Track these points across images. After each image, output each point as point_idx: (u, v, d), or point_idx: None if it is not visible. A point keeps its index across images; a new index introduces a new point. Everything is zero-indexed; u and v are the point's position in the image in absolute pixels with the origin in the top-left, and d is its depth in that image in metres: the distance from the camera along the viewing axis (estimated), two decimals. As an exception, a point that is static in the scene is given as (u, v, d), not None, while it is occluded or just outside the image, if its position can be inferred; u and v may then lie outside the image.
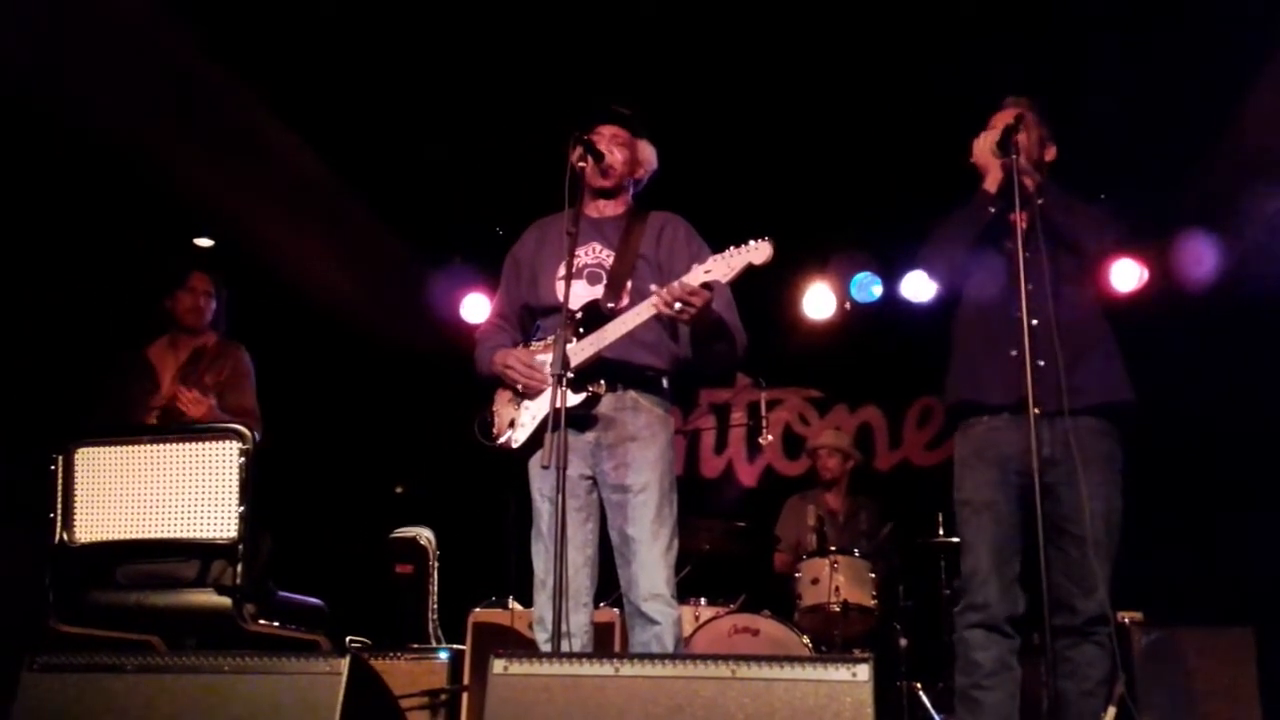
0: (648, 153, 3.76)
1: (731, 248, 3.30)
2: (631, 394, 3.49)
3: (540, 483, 3.49)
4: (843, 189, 6.25)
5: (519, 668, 2.57)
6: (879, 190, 6.11)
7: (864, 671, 2.38)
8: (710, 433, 7.68)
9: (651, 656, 2.58)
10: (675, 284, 3.25)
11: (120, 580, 3.50)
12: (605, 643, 4.81)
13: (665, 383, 3.60)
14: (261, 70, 5.34)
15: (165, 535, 3.32)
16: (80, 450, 3.40)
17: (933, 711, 5.34)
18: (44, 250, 5.48)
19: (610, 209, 3.70)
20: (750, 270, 3.26)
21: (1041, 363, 3.31)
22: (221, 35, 5.09)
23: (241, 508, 3.27)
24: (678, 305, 3.24)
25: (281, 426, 4.54)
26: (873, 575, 5.50)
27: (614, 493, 3.45)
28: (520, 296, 3.72)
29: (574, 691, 2.51)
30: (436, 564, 5.69)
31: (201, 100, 5.41)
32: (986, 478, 3.49)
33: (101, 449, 3.41)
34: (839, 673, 2.39)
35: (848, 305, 7.01)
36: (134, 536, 3.35)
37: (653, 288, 3.32)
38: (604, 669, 2.52)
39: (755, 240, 3.26)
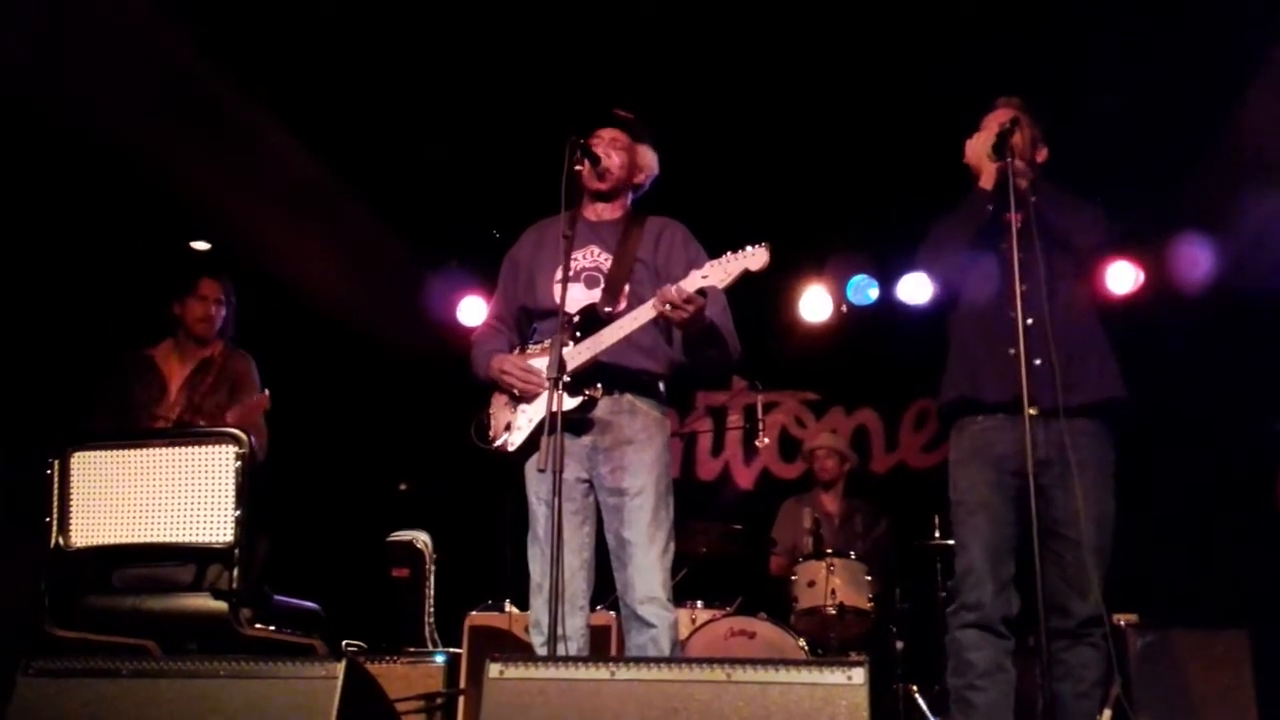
0: (648, 158, 3.76)
1: (728, 253, 3.31)
2: (628, 397, 3.50)
3: (536, 486, 3.49)
4: (839, 192, 6.26)
5: (514, 672, 2.57)
6: (875, 193, 6.11)
7: (859, 674, 2.39)
8: (707, 435, 7.69)
9: (647, 660, 2.58)
10: (670, 289, 3.25)
11: (116, 584, 3.50)
12: (602, 646, 4.81)
13: (661, 386, 3.61)
14: (260, 72, 5.35)
15: (161, 539, 3.32)
16: (76, 454, 3.40)
17: (929, 714, 5.34)
18: (42, 251, 5.47)
19: (608, 212, 3.70)
20: (747, 276, 3.27)
21: (1038, 361, 3.32)
22: (220, 37, 5.09)
23: (237, 512, 3.27)
24: (671, 308, 3.24)
25: (278, 429, 4.54)
26: (869, 578, 5.50)
27: (610, 496, 3.45)
28: (517, 299, 3.72)
29: (569, 695, 2.51)
30: (433, 567, 5.69)
31: (199, 102, 5.41)
32: (981, 478, 3.50)
33: (97, 453, 3.41)
34: (834, 676, 2.39)
35: (844, 308, 7.02)
36: (130, 541, 3.34)
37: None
38: (599, 673, 2.52)
39: (752, 246, 3.27)
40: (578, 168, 3.50)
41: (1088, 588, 3.32)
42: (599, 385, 3.43)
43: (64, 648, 3.27)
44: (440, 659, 4.77)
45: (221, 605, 3.33)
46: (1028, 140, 3.59)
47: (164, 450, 3.34)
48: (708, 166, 5.76)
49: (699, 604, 5.50)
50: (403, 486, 7.16)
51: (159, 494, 3.32)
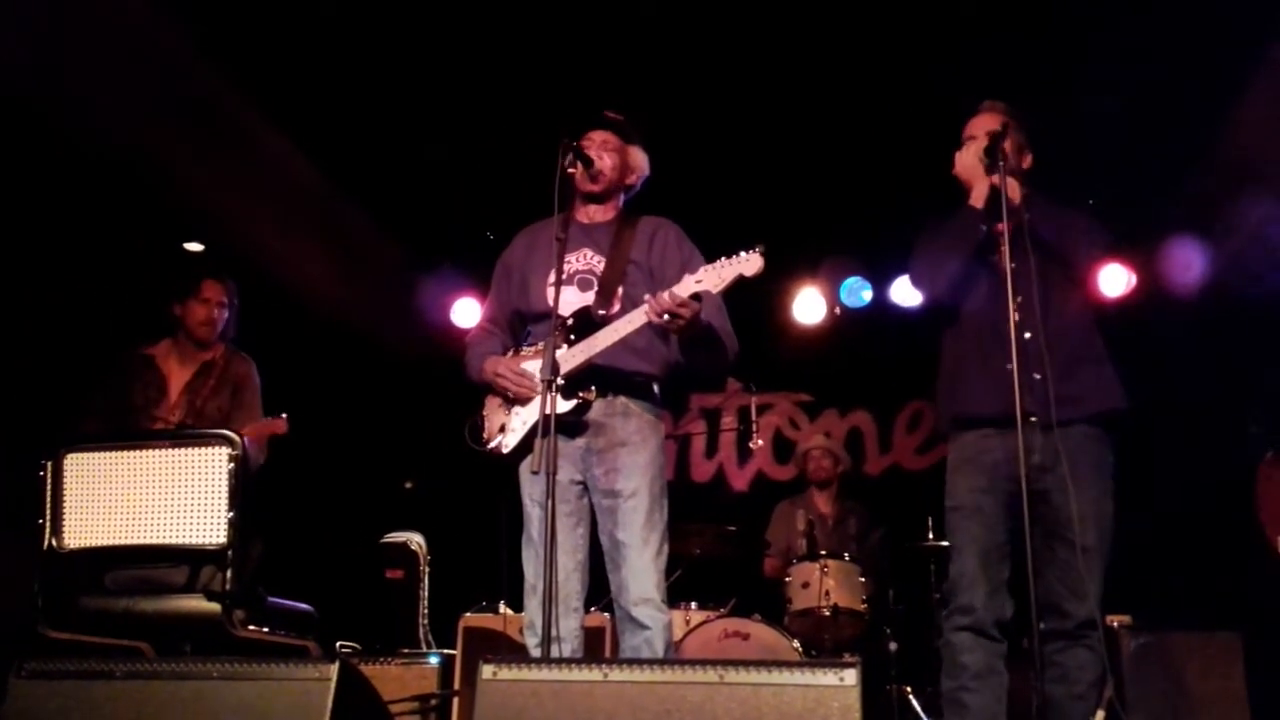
0: (639, 159, 3.76)
1: (723, 258, 3.30)
2: (622, 399, 3.50)
3: (531, 488, 3.50)
4: (833, 194, 6.27)
5: (508, 673, 2.58)
6: (869, 195, 6.12)
7: (851, 676, 2.39)
8: (701, 437, 7.70)
9: (640, 662, 2.58)
10: (665, 294, 3.25)
11: (109, 586, 3.49)
12: (596, 647, 4.81)
13: (656, 388, 3.61)
14: (255, 75, 5.35)
15: (154, 541, 3.32)
16: (69, 455, 3.39)
17: (922, 715, 5.35)
18: (38, 251, 5.47)
19: (600, 214, 3.70)
20: (741, 281, 3.27)
21: (1037, 376, 3.32)
22: (216, 39, 5.09)
23: (231, 513, 3.27)
24: (667, 316, 3.25)
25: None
26: (863, 579, 5.51)
27: (604, 498, 3.46)
28: (510, 303, 3.72)
29: (563, 697, 2.51)
30: (428, 569, 5.70)
31: (195, 105, 5.41)
32: (976, 483, 3.50)
33: (91, 454, 3.40)
34: (826, 677, 2.40)
35: (838, 310, 7.03)
36: (123, 542, 3.34)
37: (646, 298, 3.32)
38: (592, 674, 2.53)
39: (747, 251, 3.27)
40: (570, 170, 3.50)
41: (1086, 590, 3.32)
42: (593, 388, 3.43)
43: (57, 649, 3.26)
44: (434, 660, 4.78)
45: (215, 607, 3.33)
46: (1014, 147, 3.57)
47: (157, 452, 3.34)
48: (702, 169, 5.77)
49: (693, 605, 5.51)
50: (408, 485, 7.16)
51: (152, 495, 3.31)
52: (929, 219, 3.75)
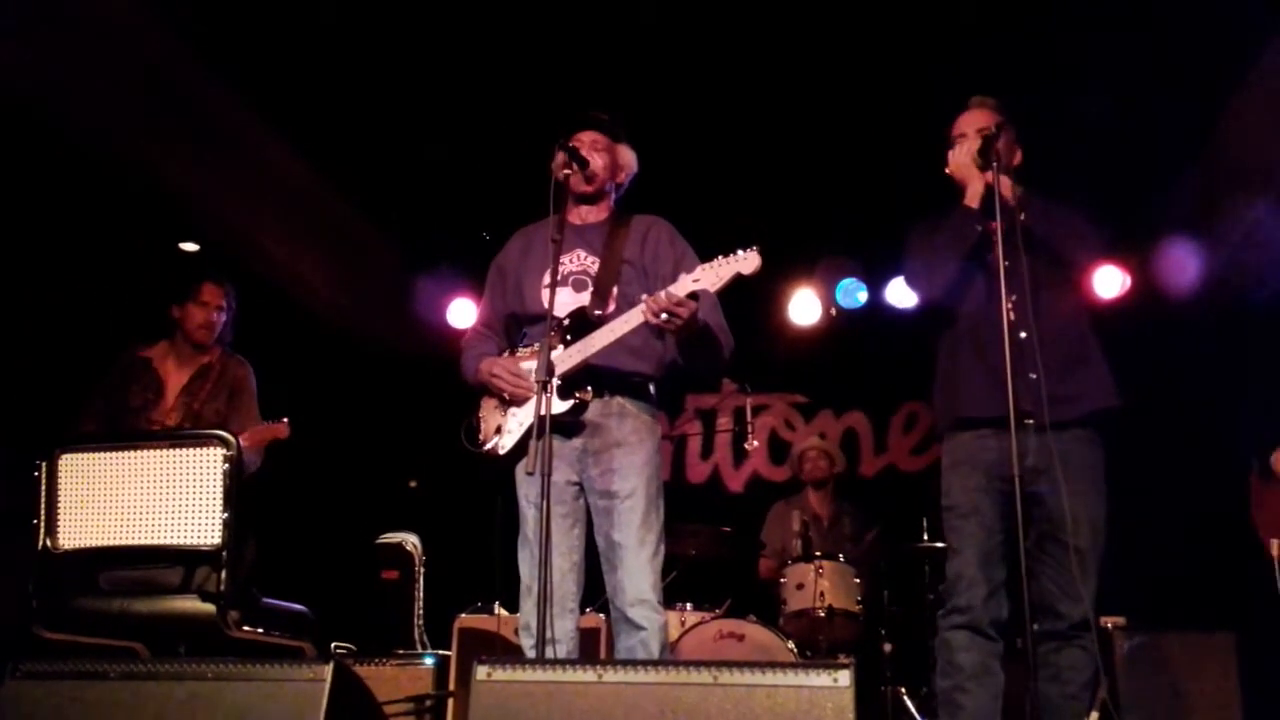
0: (627, 157, 3.77)
1: (720, 257, 3.30)
2: (618, 400, 3.50)
3: (526, 489, 3.50)
4: (829, 195, 6.28)
5: (502, 674, 2.58)
6: (865, 196, 6.12)
7: (845, 677, 2.40)
8: (696, 438, 7.71)
9: (634, 663, 2.59)
10: (662, 294, 3.26)
11: (104, 587, 3.49)
12: (591, 648, 4.81)
13: (652, 388, 3.61)
14: (250, 76, 5.34)
15: (149, 541, 3.31)
16: (64, 456, 3.39)
17: (917, 716, 5.35)
18: (35, 253, 5.46)
19: (593, 215, 3.71)
20: (738, 279, 3.27)
21: (1032, 375, 3.32)
22: (211, 40, 5.09)
23: (225, 514, 3.27)
24: (664, 316, 3.25)
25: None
26: (858, 580, 5.52)
27: (600, 499, 3.46)
28: (505, 305, 3.72)
29: (557, 698, 2.52)
30: (422, 569, 5.70)
31: (190, 105, 5.41)
32: (973, 483, 3.50)
33: (85, 455, 3.40)
34: (820, 678, 2.40)
35: (833, 311, 7.03)
36: (118, 543, 3.34)
37: (643, 298, 3.32)
38: (587, 675, 2.53)
39: (744, 249, 3.26)
40: (566, 172, 3.50)
41: (1079, 592, 3.33)
42: (589, 388, 3.44)
43: (51, 650, 3.27)
44: (429, 661, 4.79)
45: (209, 607, 3.32)
46: (1006, 145, 3.56)
47: (152, 452, 3.34)
48: (698, 169, 5.78)
49: (688, 606, 5.51)
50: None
51: (147, 496, 3.31)
52: (920, 218, 3.76)
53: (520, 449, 3.48)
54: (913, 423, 7.45)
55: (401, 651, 5.06)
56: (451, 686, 4.81)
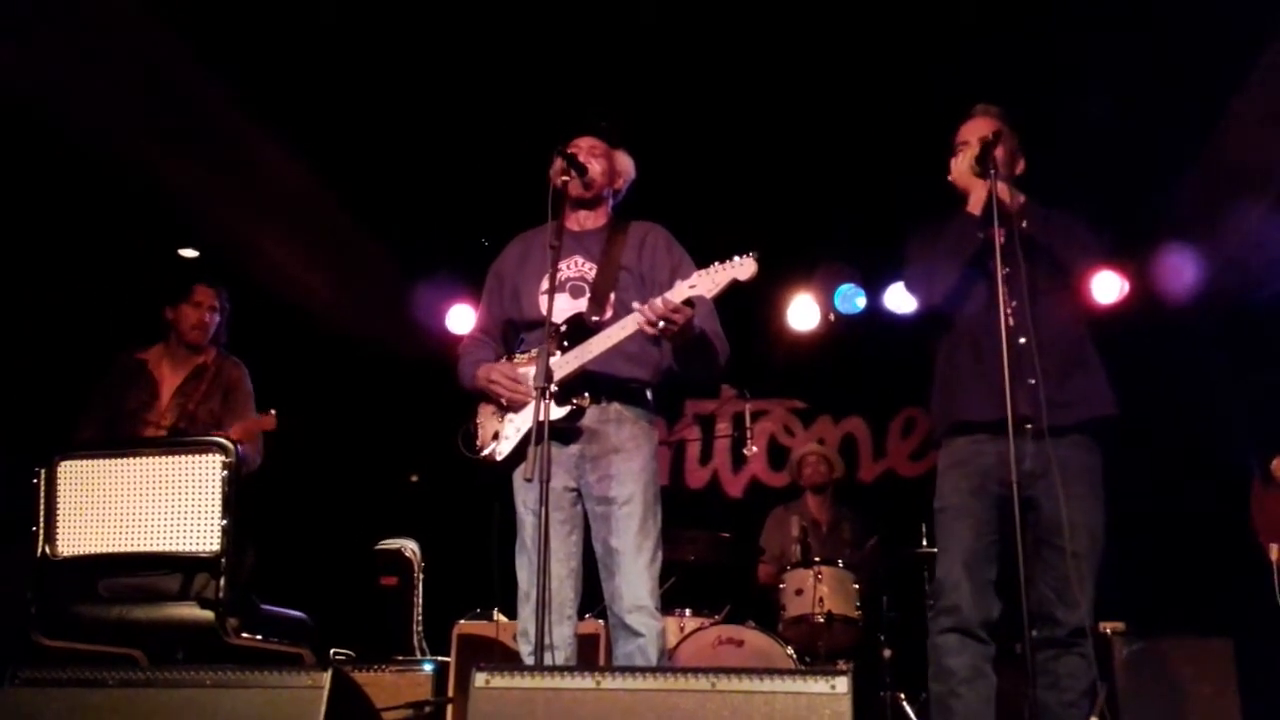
0: (625, 163, 3.78)
1: (716, 263, 3.30)
2: (615, 406, 3.51)
3: (524, 495, 3.50)
4: (827, 201, 6.28)
5: (500, 681, 2.58)
6: (863, 202, 6.13)
7: (843, 684, 2.39)
8: (695, 444, 7.71)
9: (632, 669, 2.58)
10: (658, 301, 3.26)
11: (103, 594, 3.50)
12: (590, 654, 4.81)
13: (649, 394, 3.61)
14: (250, 81, 5.35)
15: (148, 548, 3.31)
16: (63, 463, 3.39)
17: (916, 722, 5.36)
18: (32, 257, 5.47)
19: (591, 221, 3.72)
20: (735, 286, 3.28)
21: (1031, 381, 3.32)
22: (211, 46, 5.10)
23: (224, 521, 3.27)
24: (661, 323, 3.25)
25: (266, 438, 4.53)
26: (856, 586, 5.51)
27: (598, 505, 3.46)
28: (503, 312, 3.73)
29: (555, 705, 2.51)
30: (421, 576, 5.70)
31: (190, 110, 5.42)
32: (965, 485, 3.50)
33: (84, 462, 3.40)
34: (818, 685, 2.40)
35: (832, 317, 7.04)
36: (117, 549, 3.33)
37: (635, 305, 3.32)
38: (585, 682, 2.53)
39: (740, 256, 3.27)
40: (564, 179, 3.51)
41: (1077, 598, 3.33)
42: (586, 394, 3.44)
43: (50, 657, 3.27)
44: (428, 667, 4.77)
45: (208, 614, 3.32)
46: (1008, 153, 3.58)
47: (151, 459, 3.34)
48: (696, 175, 5.78)
49: (687, 612, 5.51)
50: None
51: (146, 503, 3.31)
52: (919, 224, 3.76)
53: (517, 455, 3.48)
54: (911, 428, 7.46)
55: (400, 658, 5.05)
56: (450, 693, 4.80)
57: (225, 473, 3.29)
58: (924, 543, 5.62)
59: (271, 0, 4.96)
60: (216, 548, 3.27)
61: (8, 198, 5.27)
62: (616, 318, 3.44)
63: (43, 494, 3.38)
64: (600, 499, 3.45)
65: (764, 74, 5.52)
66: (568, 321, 3.47)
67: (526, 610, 3.37)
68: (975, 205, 3.58)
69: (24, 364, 5.40)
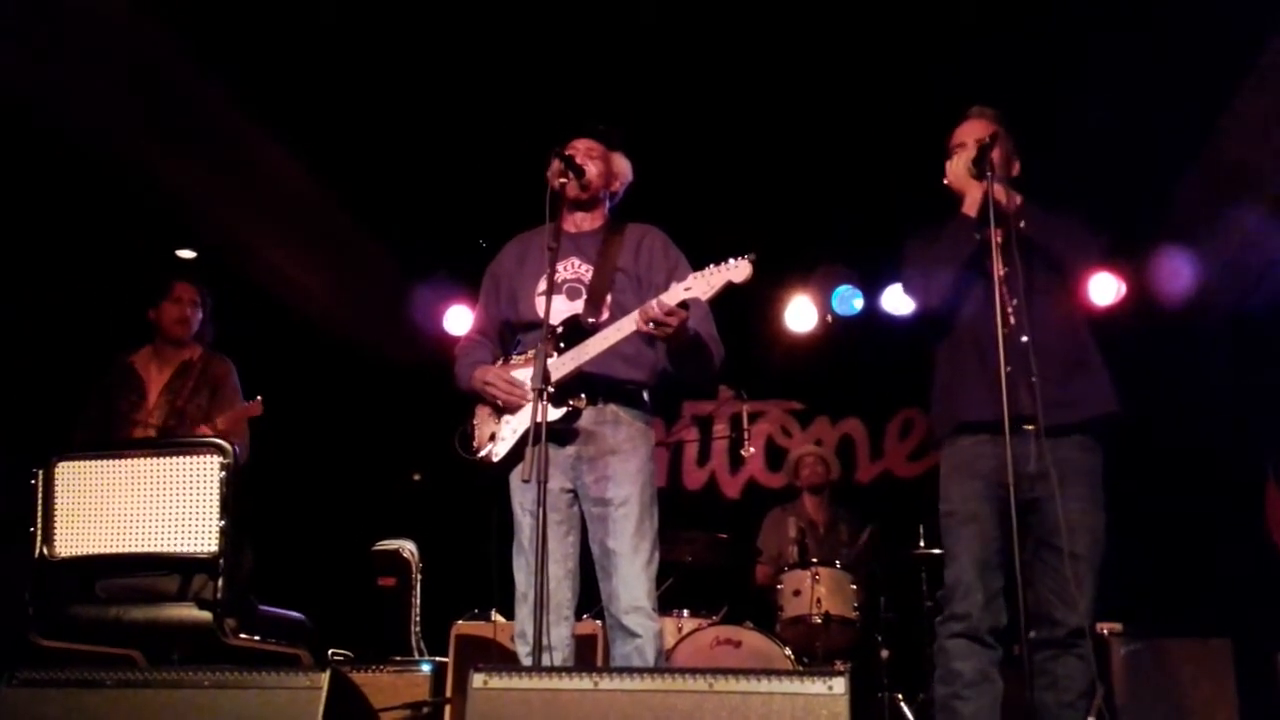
0: (622, 165, 3.78)
1: (711, 265, 3.31)
2: (612, 407, 3.51)
3: (521, 496, 3.50)
4: (825, 202, 6.29)
5: (498, 682, 2.58)
6: (861, 203, 6.14)
7: (840, 684, 2.40)
8: (693, 445, 7.71)
9: (630, 670, 2.58)
10: (653, 303, 3.27)
11: (101, 595, 3.49)
12: (587, 655, 4.81)
13: (646, 395, 3.62)
14: (248, 82, 5.35)
15: (146, 549, 3.31)
16: (61, 464, 3.39)
17: (914, 723, 5.36)
18: (27, 261, 5.47)
19: (588, 223, 3.72)
20: (730, 287, 3.28)
21: (1034, 379, 3.32)
22: (209, 46, 5.10)
23: (222, 522, 3.27)
24: (655, 324, 3.26)
25: (265, 439, 4.54)
26: (854, 587, 5.51)
27: (595, 506, 3.46)
28: (500, 313, 3.73)
29: (553, 705, 2.52)
30: (419, 576, 5.70)
31: (187, 112, 5.42)
32: (971, 489, 3.50)
33: (82, 463, 3.40)
34: (815, 686, 2.41)
35: (829, 318, 7.05)
36: (114, 551, 3.33)
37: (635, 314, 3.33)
38: (583, 683, 2.53)
39: (735, 258, 3.28)
40: (562, 180, 3.51)
41: (1077, 599, 3.33)
42: (583, 395, 3.44)
43: (48, 658, 3.27)
44: (426, 668, 4.78)
45: (206, 615, 3.32)
46: (1004, 154, 3.58)
47: (148, 460, 3.34)
48: (694, 176, 5.79)
49: (685, 613, 5.51)
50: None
51: (144, 504, 3.31)
52: (916, 226, 3.76)
53: (514, 456, 3.49)
54: (909, 429, 7.46)
55: (398, 658, 5.05)
56: (448, 693, 4.81)
57: (223, 474, 3.29)
58: (922, 544, 5.62)
59: (270, 0, 4.96)
60: (214, 548, 3.27)
61: (7, 199, 5.26)
62: (613, 319, 3.44)
63: (40, 495, 3.38)
64: (597, 500, 3.45)
65: (762, 76, 5.53)
66: (564, 323, 3.47)
67: (524, 611, 3.38)
68: (971, 206, 3.58)
69: (23, 365, 5.39)
